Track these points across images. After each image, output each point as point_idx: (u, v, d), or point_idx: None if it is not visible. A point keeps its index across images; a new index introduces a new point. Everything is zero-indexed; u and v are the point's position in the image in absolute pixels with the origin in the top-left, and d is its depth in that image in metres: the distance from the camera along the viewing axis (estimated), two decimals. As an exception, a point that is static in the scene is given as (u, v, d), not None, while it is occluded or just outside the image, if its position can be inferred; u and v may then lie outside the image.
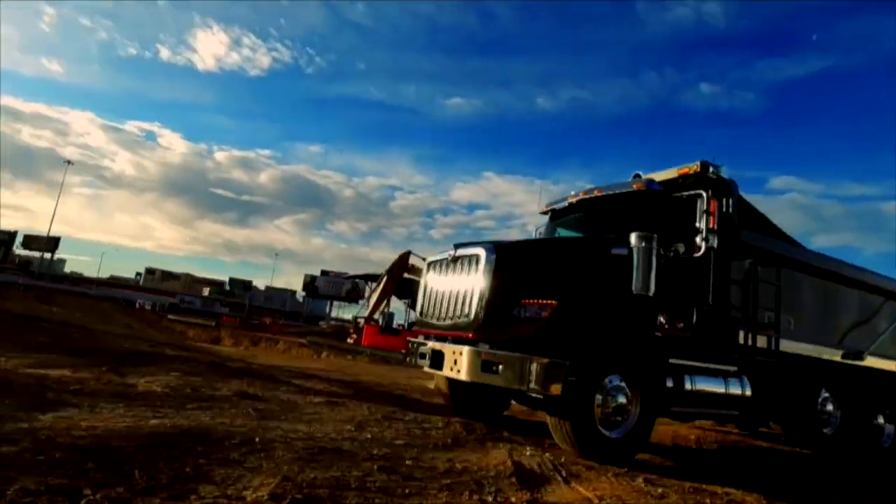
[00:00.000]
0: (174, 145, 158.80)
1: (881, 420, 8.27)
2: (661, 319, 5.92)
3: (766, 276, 6.96)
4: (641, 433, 5.47)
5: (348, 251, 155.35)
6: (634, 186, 6.37)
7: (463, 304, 5.60)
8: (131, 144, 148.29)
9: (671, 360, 5.85)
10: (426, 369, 5.95)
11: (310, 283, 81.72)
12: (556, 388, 4.98)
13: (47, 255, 74.96)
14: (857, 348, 8.02)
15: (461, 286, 5.70)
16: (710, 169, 6.36)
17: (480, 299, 5.41)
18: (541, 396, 5.06)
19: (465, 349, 5.35)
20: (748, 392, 6.54)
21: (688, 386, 5.95)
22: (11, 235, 75.76)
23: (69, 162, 71.58)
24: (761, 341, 6.81)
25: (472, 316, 5.44)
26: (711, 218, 6.03)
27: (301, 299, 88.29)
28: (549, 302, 5.21)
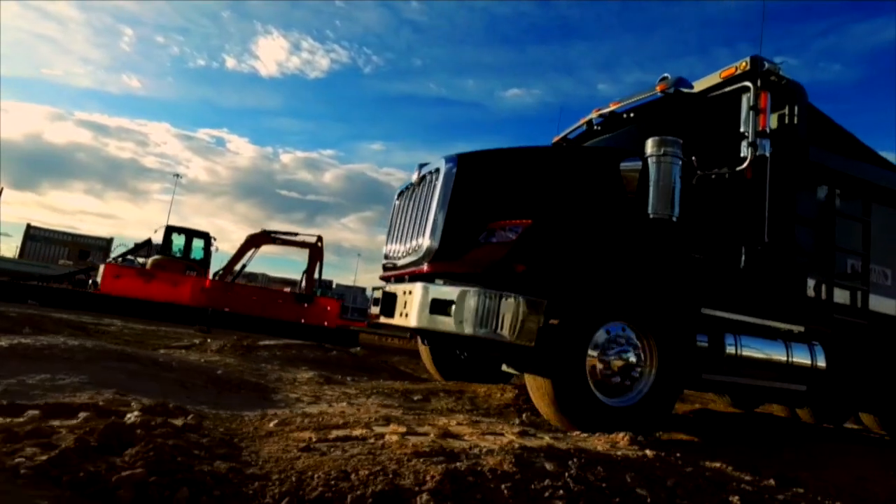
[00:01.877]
0: (242, 150, 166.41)
1: None
2: (695, 258, 4.43)
3: (848, 209, 5.20)
4: (658, 404, 4.01)
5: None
6: (657, 89, 4.85)
7: (420, 231, 4.36)
8: (203, 151, 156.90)
9: (705, 311, 4.34)
10: (381, 319, 4.74)
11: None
12: (528, 336, 3.66)
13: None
14: None
15: (420, 211, 4.46)
16: (766, 65, 4.72)
17: (436, 222, 4.14)
18: (507, 344, 3.73)
19: (416, 286, 4.10)
20: (821, 363, 4.85)
21: (730, 347, 4.40)
22: (108, 242, 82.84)
23: (178, 175, 76.67)
24: (841, 296, 5.08)
25: (426, 245, 4.18)
26: (761, 116, 4.39)
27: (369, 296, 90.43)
28: (521, 222, 3.88)
